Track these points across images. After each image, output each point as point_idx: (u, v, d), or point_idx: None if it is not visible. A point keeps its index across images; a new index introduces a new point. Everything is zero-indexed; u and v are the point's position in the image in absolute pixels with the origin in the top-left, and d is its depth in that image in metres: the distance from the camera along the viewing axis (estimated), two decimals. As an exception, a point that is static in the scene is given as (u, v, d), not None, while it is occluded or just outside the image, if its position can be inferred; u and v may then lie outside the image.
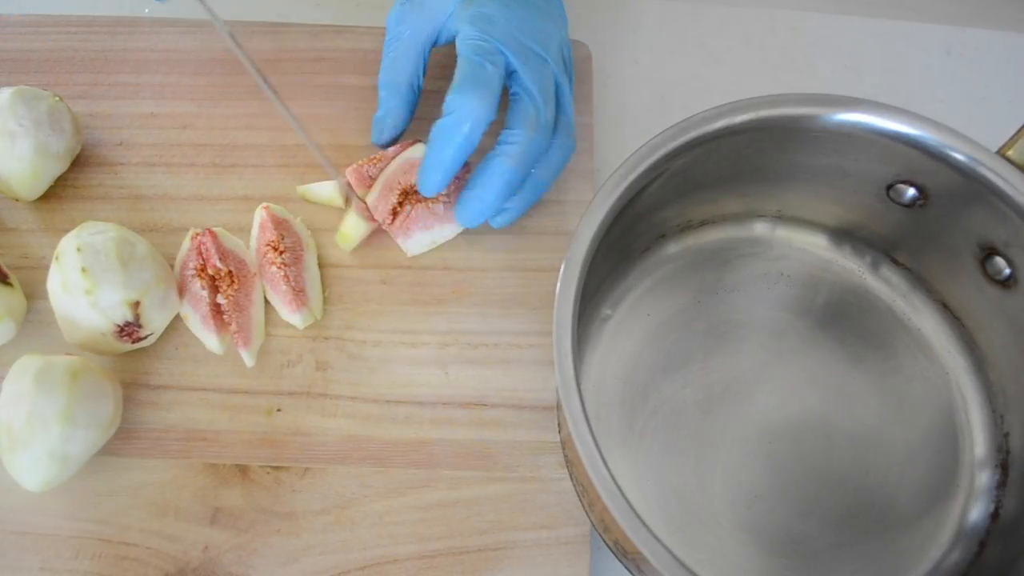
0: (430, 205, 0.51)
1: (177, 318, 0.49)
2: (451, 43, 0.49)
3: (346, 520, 0.45)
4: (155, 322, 0.47)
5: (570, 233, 0.40)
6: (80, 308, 0.44)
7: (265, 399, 0.48)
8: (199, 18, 0.57)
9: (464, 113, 0.45)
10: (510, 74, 0.47)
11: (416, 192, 0.50)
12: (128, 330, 0.46)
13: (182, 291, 0.49)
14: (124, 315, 0.45)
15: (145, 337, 0.47)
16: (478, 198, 0.47)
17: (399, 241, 0.51)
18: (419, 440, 0.47)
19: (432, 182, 0.47)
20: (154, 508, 0.45)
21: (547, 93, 0.47)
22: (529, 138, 0.46)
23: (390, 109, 0.50)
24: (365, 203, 0.50)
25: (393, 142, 0.52)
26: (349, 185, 0.50)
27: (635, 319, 0.49)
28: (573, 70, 0.52)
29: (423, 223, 0.50)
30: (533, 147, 0.47)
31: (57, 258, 0.45)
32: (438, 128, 0.46)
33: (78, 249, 0.44)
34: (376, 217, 0.50)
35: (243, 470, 0.46)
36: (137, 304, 0.45)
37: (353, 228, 0.50)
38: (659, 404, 0.47)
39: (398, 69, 0.50)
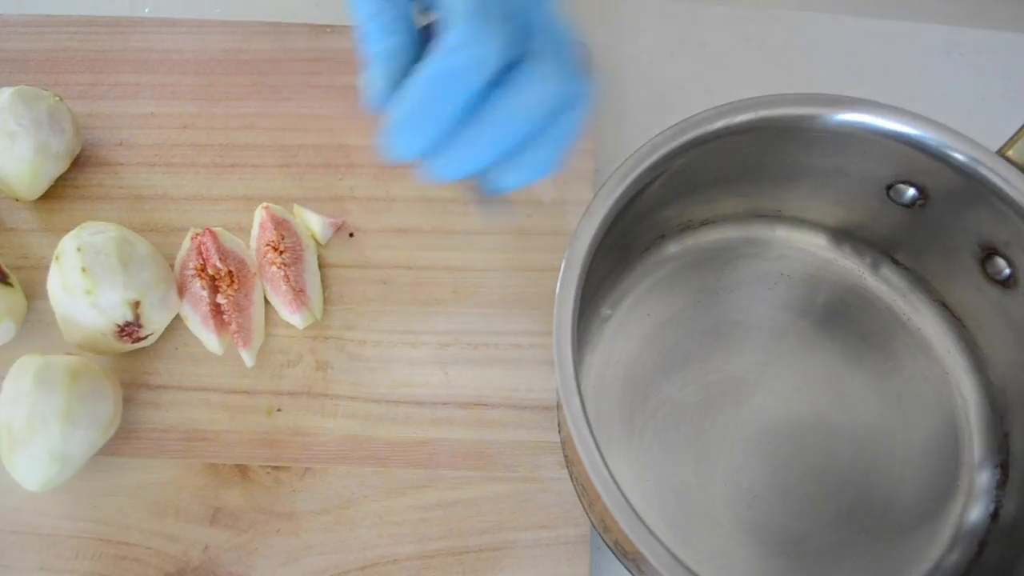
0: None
1: (177, 318, 0.49)
2: None
3: (346, 520, 0.45)
4: (155, 322, 0.47)
5: (570, 233, 0.40)
6: (80, 308, 0.44)
7: (265, 399, 0.48)
8: (199, 18, 0.57)
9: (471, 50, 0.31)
10: None
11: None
12: (128, 330, 0.46)
13: (182, 291, 0.49)
14: (124, 315, 0.45)
15: (145, 337, 0.47)
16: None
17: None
18: (419, 440, 0.47)
19: (404, 142, 0.33)
20: (154, 508, 0.45)
21: None
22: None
23: (386, 49, 0.34)
24: None
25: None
26: None
27: (635, 319, 0.49)
28: None
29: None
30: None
31: (57, 258, 0.45)
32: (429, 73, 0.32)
33: (78, 249, 0.44)
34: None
35: (243, 470, 0.46)
36: (137, 304, 0.45)
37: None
38: (659, 404, 0.47)
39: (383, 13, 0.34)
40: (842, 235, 0.51)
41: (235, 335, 0.48)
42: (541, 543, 0.45)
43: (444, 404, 0.48)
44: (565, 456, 0.46)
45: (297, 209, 0.52)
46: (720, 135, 0.42)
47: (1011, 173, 0.41)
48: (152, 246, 0.48)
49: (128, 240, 0.46)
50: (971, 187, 0.42)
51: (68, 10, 0.57)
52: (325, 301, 0.50)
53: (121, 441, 0.46)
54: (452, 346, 0.49)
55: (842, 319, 0.50)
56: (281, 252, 0.49)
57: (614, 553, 0.43)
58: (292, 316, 0.49)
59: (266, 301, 0.50)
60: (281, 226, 0.50)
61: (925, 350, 0.49)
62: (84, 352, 0.47)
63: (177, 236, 0.51)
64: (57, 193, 0.52)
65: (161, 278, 0.47)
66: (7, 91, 0.48)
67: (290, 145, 0.54)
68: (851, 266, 0.51)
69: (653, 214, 0.47)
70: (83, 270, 0.44)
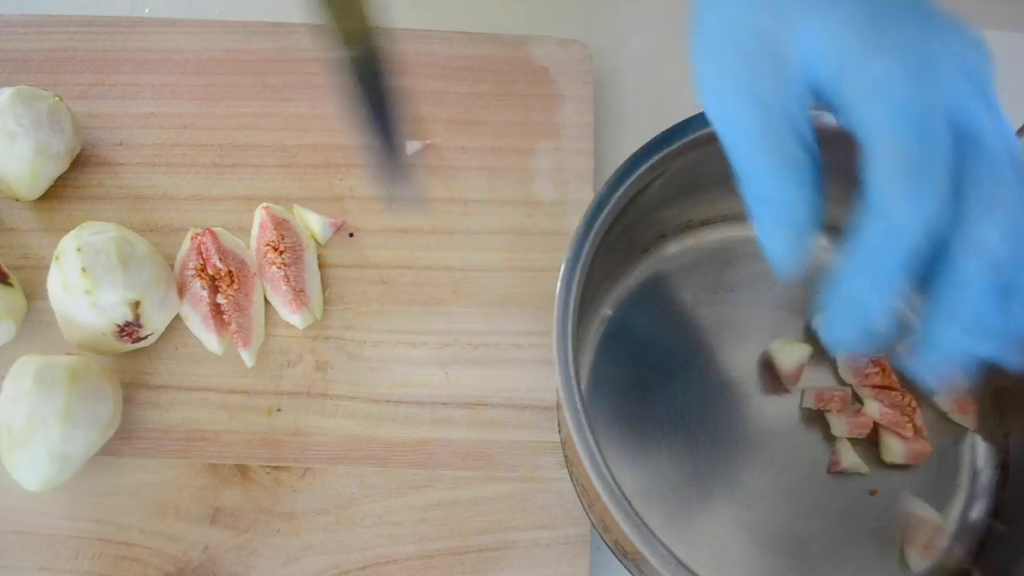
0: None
1: (177, 318, 0.49)
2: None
3: (346, 520, 0.45)
4: (155, 322, 0.47)
5: (570, 233, 0.40)
6: (80, 308, 0.44)
7: (265, 399, 0.48)
8: (199, 18, 0.57)
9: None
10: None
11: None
12: (128, 330, 0.46)
13: (182, 291, 0.49)
14: (124, 315, 0.45)
15: (145, 337, 0.47)
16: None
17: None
18: (419, 440, 0.47)
19: (842, 333, 0.29)
20: (154, 508, 0.45)
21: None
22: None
23: (784, 197, 0.30)
24: None
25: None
26: None
27: (635, 319, 0.49)
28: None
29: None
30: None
31: (57, 258, 0.45)
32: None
33: (78, 249, 0.45)
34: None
35: (243, 470, 0.46)
36: (137, 304, 0.45)
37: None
38: (659, 404, 0.47)
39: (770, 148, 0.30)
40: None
41: (235, 335, 0.48)
42: (541, 543, 0.45)
43: (444, 404, 0.48)
44: (565, 456, 0.46)
45: (297, 209, 0.52)
46: (720, 135, 0.42)
47: (1011, 173, 0.41)
48: (152, 246, 0.48)
49: (128, 240, 0.46)
50: (971, 187, 0.42)
51: (68, 10, 0.57)
52: (325, 301, 0.50)
53: (121, 441, 0.46)
54: (452, 346, 0.49)
55: (842, 319, 0.50)
56: (281, 252, 0.49)
57: (614, 553, 0.43)
58: (292, 316, 0.49)
59: (266, 301, 0.50)
60: (281, 226, 0.50)
61: (925, 350, 0.48)
62: (84, 352, 0.47)
63: (177, 236, 0.51)
64: (57, 193, 0.52)
65: (161, 278, 0.47)
66: (7, 91, 0.48)
67: (290, 145, 0.54)
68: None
69: (653, 214, 0.47)
70: (83, 270, 0.44)
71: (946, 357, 0.28)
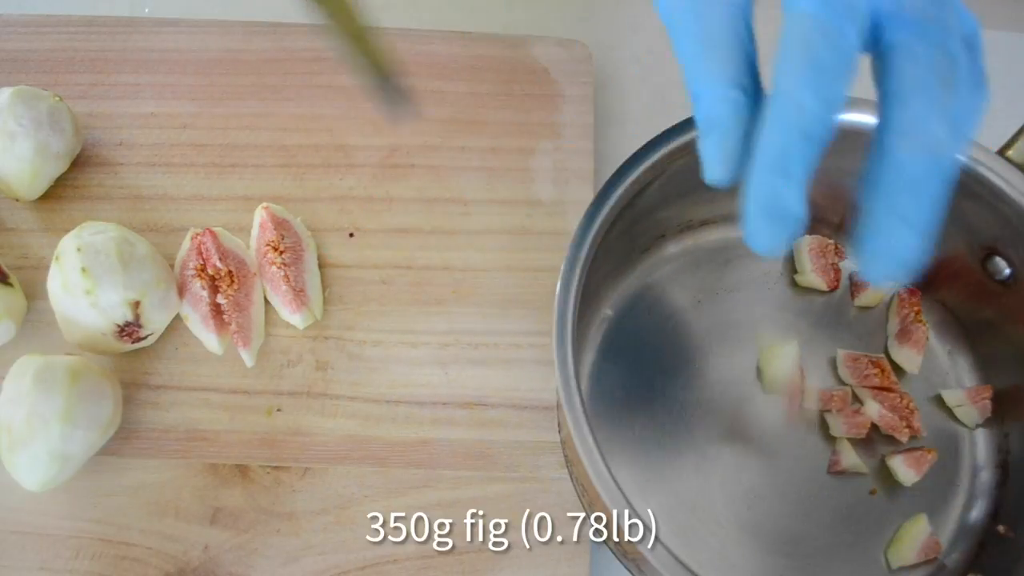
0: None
1: (177, 318, 0.49)
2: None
3: (346, 520, 0.45)
4: (155, 322, 0.47)
5: (570, 233, 0.40)
6: (80, 308, 0.44)
7: (265, 399, 0.48)
8: (199, 18, 0.57)
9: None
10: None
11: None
12: (128, 330, 0.46)
13: (182, 291, 0.49)
14: (124, 315, 0.45)
15: (145, 337, 0.47)
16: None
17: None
18: (419, 440, 0.47)
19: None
20: (154, 508, 0.45)
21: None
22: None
23: (719, 118, 0.29)
24: None
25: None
26: None
27: (635, 319, 0.49)
28: None
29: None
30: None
31: (57, 258, 0.45)
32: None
33: (78, 249, 0.45)
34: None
35: (243, 470, 0.46)
36: (137, 304, 0.45)
37: None
38: (659, 404, 0.47)
39: (713, 59, 0.29)
40: (842, 235, 0.51)
41: (235, 335, 0.48)
42: (541, 543, 0.45)
43: (444, 404, 0.48)
44: (565, 456, 0.46)
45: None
46: (720, 135, 0.42)
47: (1011, 173, 0.41)
48: (152, 246, 0.48)
49: (128, 240, 0.46)
50: (971, 187, 0.42)
51: (68, 10, 0.57)
52: (325, 301, 0.50)
53: (121, 441, 0.46)
54: (452, 346, 0.49)
55: (842, 319, 0.50)
56: (281, 252, 0.49)
57: (614, 553, 0.43)
58: (292, 316, 0.49)
59: (266, 301, 0.50)
60: (281, 226, 0.50)
61: (925, 350, 0.48)
62: (84, 352, 0.47)
63: (177, 236, 0.51)
64: (57, 193, 0.52)
65: (161, 278, 0.47)
66: (7, 91, 0.48)
67: (290, 145, 0.54)
68: (850, 266, 0.51)
69: (653, 214, 0.47)
70: (83, 270, 0.44)
71: (893, 251, 0.29)
